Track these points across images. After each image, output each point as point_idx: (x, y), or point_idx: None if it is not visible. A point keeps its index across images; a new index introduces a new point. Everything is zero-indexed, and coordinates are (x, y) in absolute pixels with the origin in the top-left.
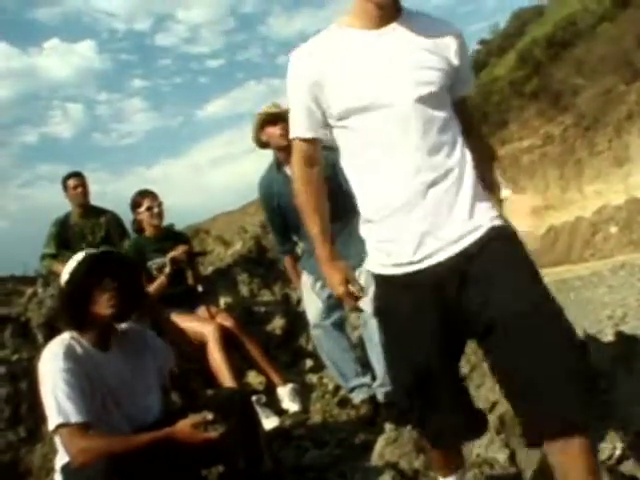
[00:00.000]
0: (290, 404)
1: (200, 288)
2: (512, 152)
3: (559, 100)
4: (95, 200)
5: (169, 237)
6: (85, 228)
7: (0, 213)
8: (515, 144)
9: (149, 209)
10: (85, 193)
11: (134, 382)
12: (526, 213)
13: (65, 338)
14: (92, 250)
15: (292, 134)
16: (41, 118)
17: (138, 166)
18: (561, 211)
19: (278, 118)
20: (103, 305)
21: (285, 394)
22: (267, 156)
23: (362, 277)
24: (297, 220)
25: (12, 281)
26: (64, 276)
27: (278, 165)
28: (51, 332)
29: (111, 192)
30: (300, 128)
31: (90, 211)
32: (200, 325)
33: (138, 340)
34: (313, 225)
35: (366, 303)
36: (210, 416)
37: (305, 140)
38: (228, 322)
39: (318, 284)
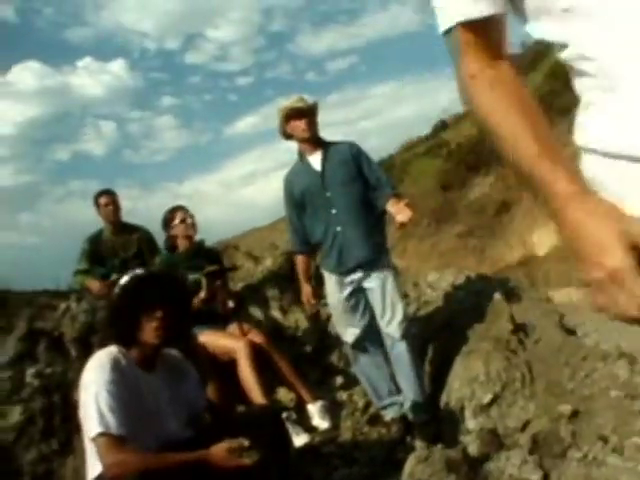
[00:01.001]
0: (320, 421)
1: (231, 304)
2: None
3: None
4: (127, 216)
5: (200, 254)
6: (117, 245)
7: (34, 229)
8: None
9: (183, 221)
10: (116, 210)
11: (169, 407)
12: None
13: (113, 351)
14: (147, 271)
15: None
16: (74, 135)
17: (169, 182)
18: None
19: (302, 113)
20: (150, 333)
21: (315, 411)
22: None
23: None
24: (315, 213)
25: (45, 296)
26: (116, 289)
27: (301, 156)
28: (84, 347)
29: (142, 208)
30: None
31: (122, 228)
32: (231, 342)
33: (179, 368)
34: (528, 143)
35: (393, 327)
36: (246, 443)
37: (472, 24)
38: (259, 338)
39: (337, 280)
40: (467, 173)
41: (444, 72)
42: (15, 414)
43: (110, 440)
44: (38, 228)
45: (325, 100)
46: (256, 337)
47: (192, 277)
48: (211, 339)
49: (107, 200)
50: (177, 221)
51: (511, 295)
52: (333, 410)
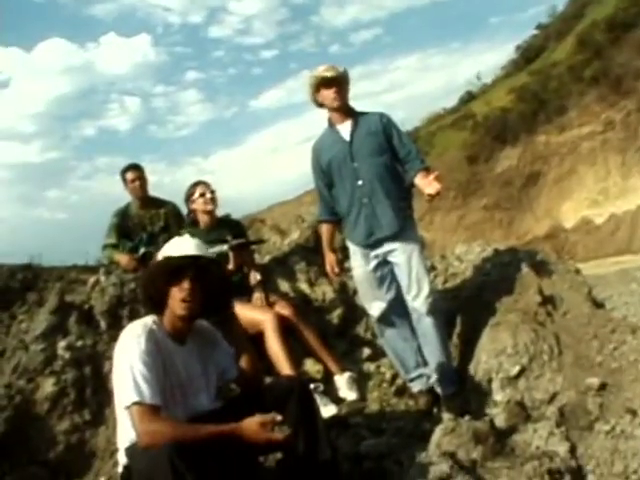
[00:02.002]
0: (348, 392)
1: (258, 276)
2: (571, 139)
3: (620, 84)
4: (153, 191)
5: (224, 226)
6: (145, 219)
7: (62, 205)
8: (575, 131)
9: (202, 195)
10: (143, 185)
11: (200, 378)
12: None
13: (148, 322)
14: (184, 243)
15: None
16: (99, 111)
17: (194, 157)
18: (622, 199)
19: (332, 82)
20: (177, 305)
21: (343, 383)
22: None
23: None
24: (341, 183)
25: (75, 270)
26: (158, 256)
27: (331, 124)
28: (113, 319)
29: (168, 182)
30: None
31: (150, 202)
32: (258, 313)
33: (211, 340)
34: None
35: (419, 302)
36: (279, 417)
37: None
38: (286, 310)
39: (362, 253)
40: (494, 145)
41: (470, 43)
42: (48, 386)
43: (144, 409)
44: (66, 204)
45: (350, 72)
46: (283, 309)
47: (213, 250)
48: (238, 311)
49: (134, 175)
50: (197, 195)
51: (539, 267)
52: (360, 381)
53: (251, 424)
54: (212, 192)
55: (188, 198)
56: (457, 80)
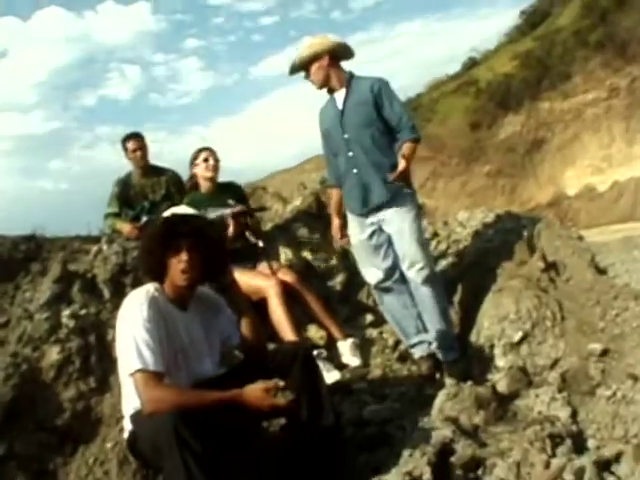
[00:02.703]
0: (351, 359)
1: (260, 243)
2: (576, 106)
3: (626, 50)
4: (154, 159)
5: (225, 191)
6: (146, 187)
7: (65, 175)
8: (579, 97)
9: (205, 161)
10: (144, 154)
11: (203, 344)
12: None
13: (150, 289)
14: (181, 211)
15: None
16: (99, 80)
17: (195, 125)
18: (626, 166)
19: (303, 66)
20: (177, 275)
21: (346, 349)
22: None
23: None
24: (337, 153)
25: (78, 240)
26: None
27: (329, 92)
28: (117, 287)
29: (169, 151)
30: None
31: (151, 170)
32: (261, 280)
33: (213, 306)
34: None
35: (413, 273)
36: (281, 383)
37: None
38: (289, 277)
39: (358, 221)
40: (497, 111)
41: (473, 8)
42: (53, 354)
43: (148, 376)
44: (69, 174)
45: (351, 39)
46: (286, 276)
47: (213, 214)
48: (241, 278)
49: (135, 145)
50: (200, 160)
51: (542, 233)
52: (363, 348)
53: (254, 390)
54: (216, 160)
55: (191, 162)
56: (460, 46)
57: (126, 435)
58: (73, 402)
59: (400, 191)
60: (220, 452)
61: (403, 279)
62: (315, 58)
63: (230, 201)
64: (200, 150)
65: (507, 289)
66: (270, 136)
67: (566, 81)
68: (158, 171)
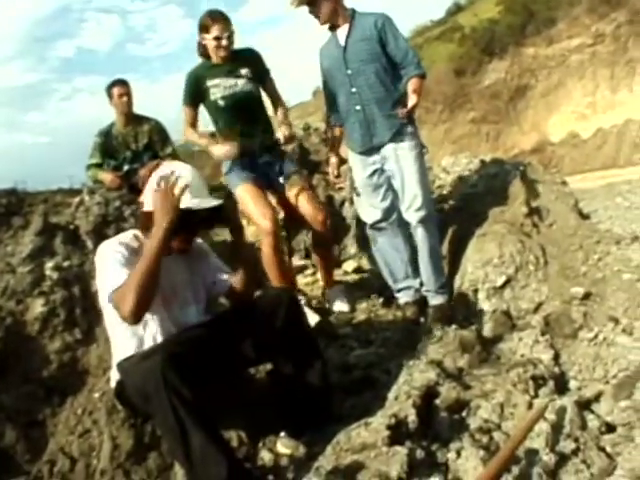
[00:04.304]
0: (340, 304)
1: (289, 148)
2: (560, 52)
3: None
4: (136, 109)
5: (239, 60)
6: (128, 137)
7: (42, 128)
8: (563, 43)
9: (217, 39)
10: (130, 101)
11: (186, 290)
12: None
13: (128, 235)
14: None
15: None
16: (76, 31)
17: (177, 74)
18: (610, 113)
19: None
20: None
21: (334, 295)
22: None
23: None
24: (338, 90)
25: (60, 194)
26: (151, 179)
27: (331, 28)
28: (99, 238)
29: (150, 101)
30: None
31: (133, 119)
32: (260, 218)
33: (198, 252)
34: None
35: (410, 213)
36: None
37: None
38: (303, 208)
39: (360, 159)
40: (481, 58)
41: None
42: (37, 306)
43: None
44: (48, 127)
45: None
46: (300, 206)
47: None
48: (244, 200)
49: (122, 90)
50: (210, 36)
51: (526, 179)
52: (349, 293)
53: None
54: (229, 37)
55: (201, 30)
56: None
57: (113, 384)
58: (59, 354)
59: (404, 129)
60: (209, 397)
61: (400, 222)
62: None
63: (243, 70)
64: (212, 19)
65: (491, 234)
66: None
67: (551, 27)
68: (141, 120)
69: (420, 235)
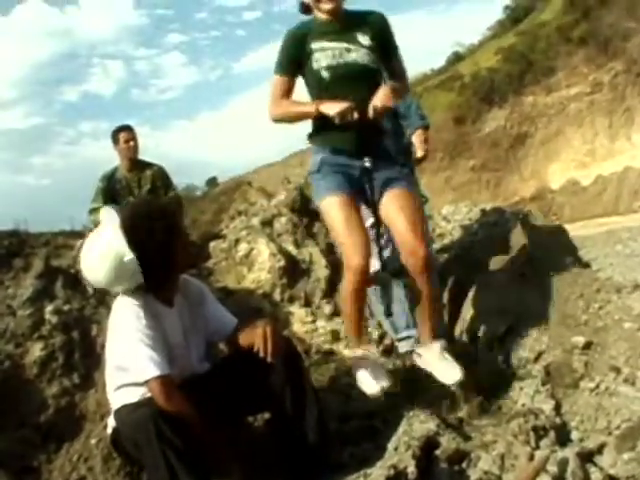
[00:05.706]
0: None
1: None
2: (559, 100)
3: (609, 45)
4: (139, 154)
5: (355, 21)
6: (132, 182)
7: (47, 171)
8: (562, 92)
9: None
10: (136, 147)
11: (189, 337)
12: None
13: (137, 296)
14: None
15: None
16: (81, 76)
17: (179, 120)
18: (609, 161)
19: None
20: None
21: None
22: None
23: None
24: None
25: (61, 236)
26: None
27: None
28: None
29: (153, 146)
30: None
31: (137, 165)
32: (350, 247)
33: (198, 297)
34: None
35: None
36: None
37: None
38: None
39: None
40: (481, 106)
41: (456, 3)
42: (36, 350)
43: (167, 381)
44: (51, 170)
45: None
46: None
47: None
48: (334, 220)
49: (128, 136)
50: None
51: (526, 227)
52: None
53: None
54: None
55: None
56: (445, 41)
57: (109, 431)
58: (57, 398)
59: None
60: (202, 447)
61: (401, 272)
62: None
63: (362, 38)
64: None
65: (491, 282)
66: (255, 130)
67: (549, 76)
68: (144, 165)
69: (397, 287)
